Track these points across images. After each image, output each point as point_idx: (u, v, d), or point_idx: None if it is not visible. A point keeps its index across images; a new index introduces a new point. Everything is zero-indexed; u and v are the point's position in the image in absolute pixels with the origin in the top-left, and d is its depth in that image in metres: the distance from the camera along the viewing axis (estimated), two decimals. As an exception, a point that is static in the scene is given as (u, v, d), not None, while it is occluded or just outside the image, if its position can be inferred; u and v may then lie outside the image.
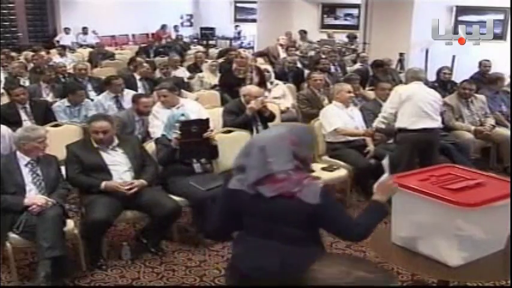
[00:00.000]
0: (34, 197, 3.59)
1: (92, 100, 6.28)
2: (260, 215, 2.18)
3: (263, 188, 2.15)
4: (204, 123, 4.32)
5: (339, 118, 5.14)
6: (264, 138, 2.22)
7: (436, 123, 4.77)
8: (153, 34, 16.37)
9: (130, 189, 3.84)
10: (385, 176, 2.48)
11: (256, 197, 2.15)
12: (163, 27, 16.81)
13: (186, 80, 7.77)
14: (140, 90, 6.91)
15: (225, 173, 2.40)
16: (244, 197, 2.17)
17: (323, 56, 9.10)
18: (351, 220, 2.28)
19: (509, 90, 6.64)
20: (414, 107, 4.67)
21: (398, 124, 4.79)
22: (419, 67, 5.74)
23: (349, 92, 5.26)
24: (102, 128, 3.95)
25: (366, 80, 7.96)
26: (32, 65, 8.84)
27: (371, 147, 5.09)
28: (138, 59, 8.68)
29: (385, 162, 2.51)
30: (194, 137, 4.21)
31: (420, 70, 5.26)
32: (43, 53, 10.10)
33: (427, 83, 5.31)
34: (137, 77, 7.36)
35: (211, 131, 4.37)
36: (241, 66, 5.88)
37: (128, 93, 6.16)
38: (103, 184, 3.83)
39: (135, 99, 5.36)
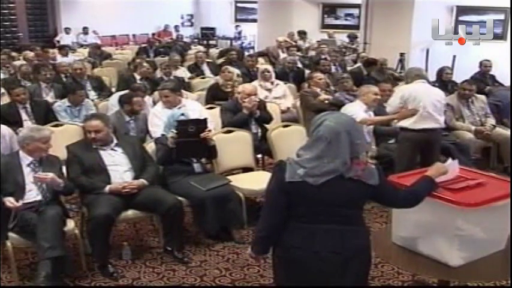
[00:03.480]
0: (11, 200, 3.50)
1: (93, 100, 6.25)
2: (323, 202, 2.24)
3: (347, 171, 2.22)
4: (201, 123, 4.30)
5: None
6: (343, 123, 2.24)
7: (438, 123, 4.75)
8: (153, 34, 16.37)
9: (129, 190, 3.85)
10: (447, 163, 2.74)
11: (321, 186, 2.21)
12: (166, 27, 16.82)
13: (186, 80, 7.78)
14: (141, 91, 6.89)
15: (275, 167, 2.40)
16: (306, 187, 2.22)
17: (323, 57, 9.09)
18: (402, 192, 2.50)
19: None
20: (417, 107, 4.65)
21: (401, 123, 4.78)
22: (419, 66, 5.73)
23: (376, 94, 5.15)
24: (94, 127, 3.94)
25: (361, 80, 7.91)
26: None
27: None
28: (138, 60, 8.67)
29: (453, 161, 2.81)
30: (191, 137, 4.19)
31: (421, 69, 5.23)
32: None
33: (428, 82, 5.30)
34: (137, 77, 7.36)
35: (209, 131, 4.36)
36: (227, 81, 6.05)
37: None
38: (107, 188, 3.83)
39: (126, 100, 5.26)
